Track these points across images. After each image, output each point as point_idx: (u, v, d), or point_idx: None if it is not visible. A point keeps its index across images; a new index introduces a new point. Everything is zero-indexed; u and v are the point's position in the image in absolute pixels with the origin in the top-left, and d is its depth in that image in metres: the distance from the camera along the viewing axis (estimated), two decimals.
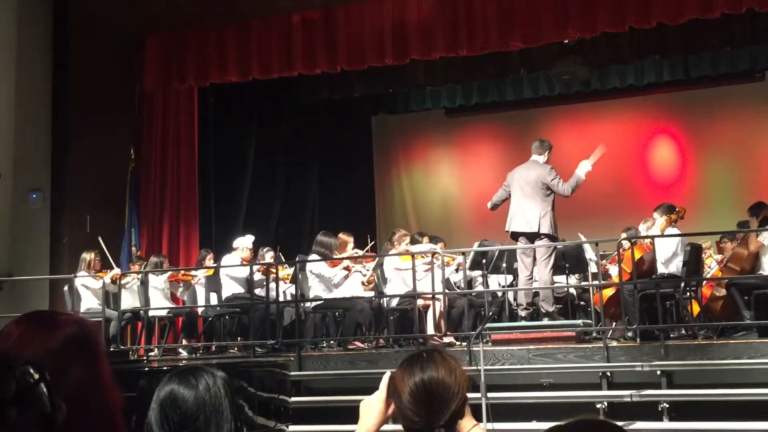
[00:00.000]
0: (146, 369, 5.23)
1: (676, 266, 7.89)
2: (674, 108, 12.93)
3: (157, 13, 10.50)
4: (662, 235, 7.82)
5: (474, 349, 6.82)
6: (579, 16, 9.13)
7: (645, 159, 13.28)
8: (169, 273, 9.38)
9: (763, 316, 7.48)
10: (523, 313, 8.00)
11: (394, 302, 8.54)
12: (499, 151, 13.53)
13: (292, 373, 7.04)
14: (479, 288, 9.05)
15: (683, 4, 8.78)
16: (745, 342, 6.95)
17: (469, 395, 2.03)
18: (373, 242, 10.53)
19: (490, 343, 7.56)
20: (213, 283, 9.19)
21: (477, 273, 9.13)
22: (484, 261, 8.54)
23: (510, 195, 8.07)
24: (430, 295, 8.15)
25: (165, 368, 5.20)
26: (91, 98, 10.33)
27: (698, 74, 11.85)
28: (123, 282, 8.99)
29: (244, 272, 8.84)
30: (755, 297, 7.47)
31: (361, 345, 8.39)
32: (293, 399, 6.61)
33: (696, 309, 8.45)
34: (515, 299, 8.51)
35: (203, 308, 9.34)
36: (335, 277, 8.58)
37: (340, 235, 8.93)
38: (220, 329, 9.11)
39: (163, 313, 9.29)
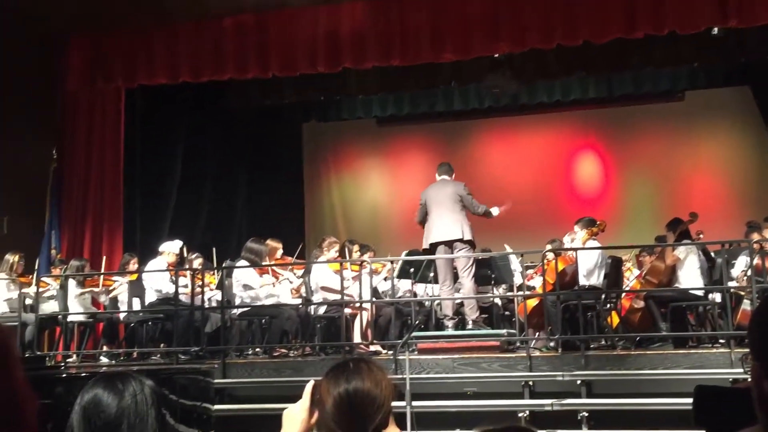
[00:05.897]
0: (63, 375, 5.07)
1: (597, 278, 8.09)
2: (598, 124, 13.29)
3: (83, 13, 10.19)
4: (585, 248, 8.02)
5: (400, 357, 6.85)
6: (509, 31, 9.33)
7: (569, 173, 13.60)
8: (90, 286, 9.15)
9: (679, 328, 7.76)
10: (449, 324, 8.07)
11: (322, 310, 8.51)
12: (429, 161, 13.57)
13: (215, 381, 6.91)
14: (407, 297, 9.09)
15: (608, 24, 9.06)
16: (661, 353, 7.16)
17: (394, 404, 2.03)
18: (301, 245, 10.45)
19: (416, 352, 7.61)
20: (136, 288, 8.97)
21: (405, 282, 9.17)
22: (412, 270, 8.59)
23: (428, 212, 8.16)
24: (358, 304, 8.16)
25: (83, 375, 5.05)
26: (9, 97, 9.96)
27: (621, 92, 12.22)
28: (42, 290, 8.72)
29: (168, 277, 8.65)
30: (671, 309, 7.74)
31: (287, 352, 8.33)
32: (216, 407, 6.51)
33: (615, 320, 8.68)
34: (440, 310, 8.57)
35: (125, 314, 9.10)
36: (260, 291, 8.47)
37: (269, 241, 8.83)
38: (143, 335, 8.90)
39: (83, 318, 9.02)
